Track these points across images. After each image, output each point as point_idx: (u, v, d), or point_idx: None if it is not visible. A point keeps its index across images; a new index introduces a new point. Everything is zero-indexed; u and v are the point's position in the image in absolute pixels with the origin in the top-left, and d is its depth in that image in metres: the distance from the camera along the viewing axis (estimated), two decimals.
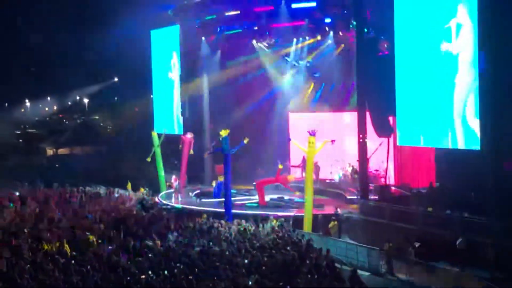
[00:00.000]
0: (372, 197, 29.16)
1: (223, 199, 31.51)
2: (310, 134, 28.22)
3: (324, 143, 28.93)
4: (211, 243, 21.84)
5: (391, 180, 33.06)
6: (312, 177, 29.70)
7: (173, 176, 37.72)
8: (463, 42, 24.26)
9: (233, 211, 29.96)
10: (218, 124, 39.78)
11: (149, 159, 39.28)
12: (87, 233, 23.24)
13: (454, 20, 24.49)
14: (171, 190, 37.23)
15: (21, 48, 60.97)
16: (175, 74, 41.53)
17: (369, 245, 23.38)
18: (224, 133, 30.06)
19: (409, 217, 25.07)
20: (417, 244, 23.12)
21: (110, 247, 21.54)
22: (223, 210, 30.08)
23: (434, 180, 30.02)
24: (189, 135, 38.91)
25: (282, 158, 39.49)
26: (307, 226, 27.41)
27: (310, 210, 28.06)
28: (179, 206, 33.45)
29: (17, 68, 66.07)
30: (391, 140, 31.06)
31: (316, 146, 28.47)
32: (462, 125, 24.33)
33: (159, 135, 39.92)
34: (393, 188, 30.98)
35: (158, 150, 39.66)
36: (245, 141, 30.46)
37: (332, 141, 29.11)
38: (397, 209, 25.90)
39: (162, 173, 39.54)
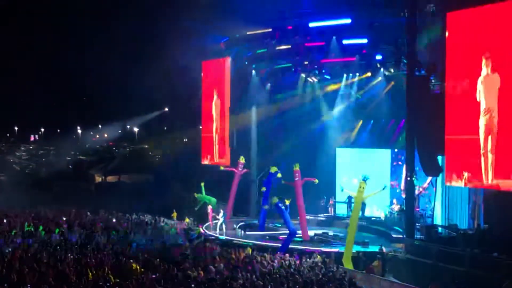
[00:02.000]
0: (418, 236, 28.78)
1: (267, 232, 31.65)
2: (363, 180, 28.04)
3: (374, 193, 28.91)
4: (253, 277, 21.78)
5: (438, 220, 32.61)
6: (357, 219, 29.47)
7: (209, 207, 37.89)
8: None
9: (275, 244, 30.10)
10: (265, 156, 40.03)
11: (196, 209, 40.08)
12: (131, 261, 23.42)
13: None
14: (215, 221, 37.15)
15: (75, 78, 62.33)
16: (216, 106, 41.93)
17: (414, 285, 23.00)
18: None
19: (455, 258, 24.64)
20: None
21: (153, 276, 21.65)
22: (267, 243, 30.08)
23: (482, 221, 29.52)
24: (240, 168, 39.00)
25: (328, 193, 39.54)
26: (348, 263, 27.12)
27: (351, 249, 27.87)
28: (223, 237, 33.47)
29: (70, 96, 67.76)
30: (439, 179, 30.72)
31: (366, 193, 28.33)
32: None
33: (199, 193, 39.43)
34: (439, 228, 30.53)
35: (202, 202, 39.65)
36: (287, 202, 31.14)
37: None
38: (443, 249, 25.51)
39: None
